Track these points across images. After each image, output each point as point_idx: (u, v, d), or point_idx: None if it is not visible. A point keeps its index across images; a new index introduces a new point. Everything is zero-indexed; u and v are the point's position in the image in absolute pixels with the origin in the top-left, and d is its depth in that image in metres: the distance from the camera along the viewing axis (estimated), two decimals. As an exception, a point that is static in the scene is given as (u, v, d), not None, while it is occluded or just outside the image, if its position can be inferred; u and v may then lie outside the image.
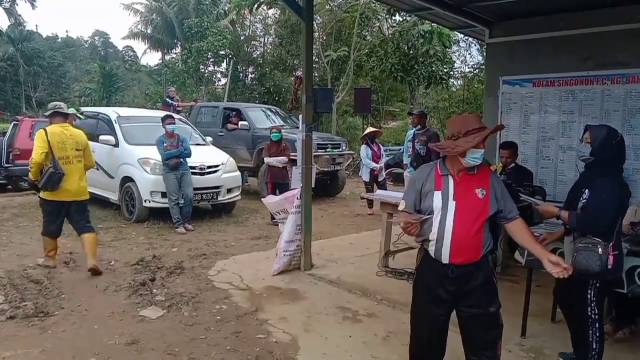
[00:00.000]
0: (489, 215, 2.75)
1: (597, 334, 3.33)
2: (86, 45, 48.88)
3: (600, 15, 5.97)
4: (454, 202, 2.74)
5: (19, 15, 34.58)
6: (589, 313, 3.33)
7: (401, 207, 2.93)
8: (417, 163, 8.14)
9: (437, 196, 2.77)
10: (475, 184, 2.77)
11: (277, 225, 8.06)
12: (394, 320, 4.50)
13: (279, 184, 8.56)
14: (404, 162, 9.24)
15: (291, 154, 9.31)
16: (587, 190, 3.30)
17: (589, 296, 3.33)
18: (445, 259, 2.76)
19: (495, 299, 2.84)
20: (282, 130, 9.28)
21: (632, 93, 5.86)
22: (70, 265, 5.95)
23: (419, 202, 2.85)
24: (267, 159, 8.78)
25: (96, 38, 50.51)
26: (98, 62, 35.60)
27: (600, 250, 3.17)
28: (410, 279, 5.38)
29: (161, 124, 8.13)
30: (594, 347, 3.33)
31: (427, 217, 2.77)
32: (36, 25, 56.70)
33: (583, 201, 3.30)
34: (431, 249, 2.81)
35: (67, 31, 77.47)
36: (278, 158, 8.60)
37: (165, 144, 7.90)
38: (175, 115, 9.55)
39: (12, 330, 4.13)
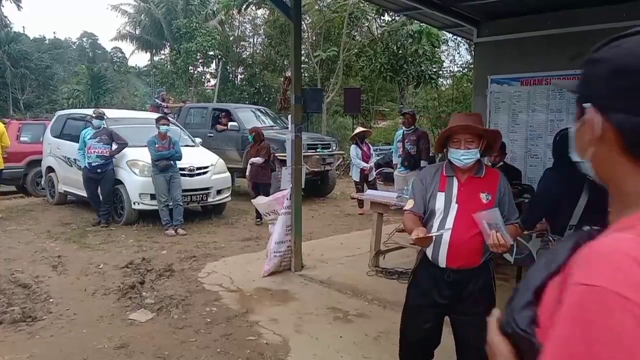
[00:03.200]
0: None
1: None
2: (74, 47, 48.33)
3: (587, 13, 6.01)
4: (457, 204, 2.66)
5: (5, 17, 34.13)
6: None
7: (408, 207, 2.83)
8: (408, 162, 8.17)
9: (440, 198, 2.70)
10: (481, 188, 2.68)
11: (261, 224, 8.08)
12: (385, 320, 4.49)
13: (259, 184, 8.56)
14: (394, 162, 9.25)
15: (279, 154, 9.30)
16: None
17: None
18: (442, 262, 2.67)
19: (491, 307, 2.77)
20: (262, 130, 9.24)
21: (619, 91, 5.91)
22: (59, 269, 5.89)
23: (427, 202, 2.76)
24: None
25: (84, 39, 49.96)
26: (86, 63, 35.26)
27: (545, 246, 3.25)
28: (401, 279, 5.40)
29: (155, 124, 8.09)
30: None
31: (441, 233, 2.64)
32: (23, 27, 56.07)
33: None
34: (429, 252, 2.74)
35: (54, 33, 76.53)
36: (252, 159, 8.58)
37: (157, 145, 7.85)
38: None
39: (-1, 336, 4.09)
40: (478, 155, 2.65)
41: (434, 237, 2.61)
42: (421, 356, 2.97)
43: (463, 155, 2.62)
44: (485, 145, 2.69)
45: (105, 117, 8.49)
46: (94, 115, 8.51)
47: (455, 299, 2.71)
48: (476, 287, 2.68)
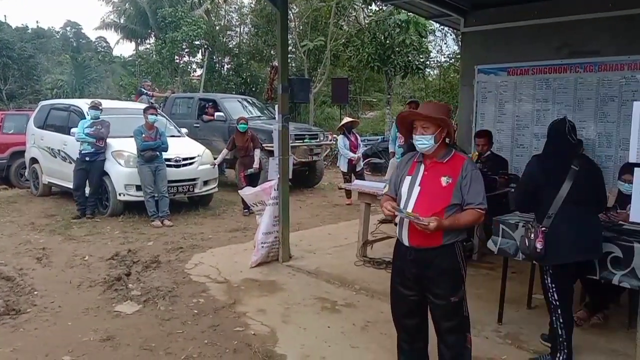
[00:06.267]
0: (449, 204, 2.77)
1: (561, 321, 3.33)
2: (58, 36, 47.53)
3: (574, 3, 6.02)
4: (419, 187, 2.85)
5: (-14, 6, 33.65)
6: (550, 299, 3.38)
7: (384, 190, 3.08)
8: (410, 151, 8.10)
9: (407, 181, 2.91)
10: (442, 172, 2.83)
11: (248, 215, 8.06)
12: (372, 309, 4.51)
13: (253, 173, 8.58)
14: (390, 150, 9.18)
15: (266, 145, 9.24)
16: None
17: (546, 282, 3.39)
18: (405, 241, 2.86)
19: (458, 289, 2.84)
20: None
21: (604, 81, 5.94)
22: (43, 261, 5.82)
23: (397, 185, 2.98)
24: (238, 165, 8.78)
25: (68, 29, 49.17)
26: (70, 53, 34.76)
27: (526, 232, 3.40)
28: (388, 268, 5.40)
29: (142, 114, 8.01)
30: (560, 333, 3.33)
31: (401, 213, 2.81)
32: (4, 16, 55.06)
33: None
34: (397, 231, 2.95)
35: (37, 22, 75.39)
36: (255, 159, 8.61)
37: (143, 135, 7.76)
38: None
39: (-18, 329, 4.03)
40: (432, 142, 2.80)
41: (397, 214, 2.84)
42: (415, 335, 3.03)
43: (417, 140, 2.84)
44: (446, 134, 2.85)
45: (101, 108, 8.33)
46: (89, 105, 8.37)
47: (422, 278, 2.84)
48: (441, 268, 2.81)
